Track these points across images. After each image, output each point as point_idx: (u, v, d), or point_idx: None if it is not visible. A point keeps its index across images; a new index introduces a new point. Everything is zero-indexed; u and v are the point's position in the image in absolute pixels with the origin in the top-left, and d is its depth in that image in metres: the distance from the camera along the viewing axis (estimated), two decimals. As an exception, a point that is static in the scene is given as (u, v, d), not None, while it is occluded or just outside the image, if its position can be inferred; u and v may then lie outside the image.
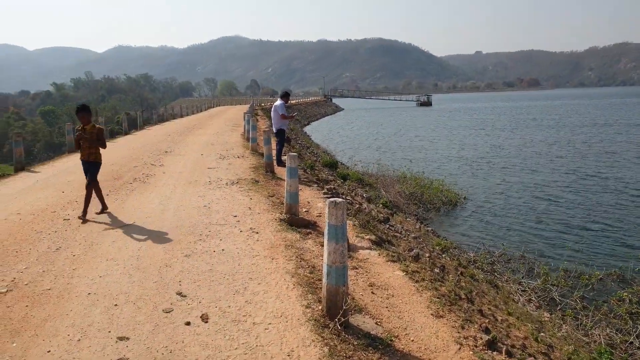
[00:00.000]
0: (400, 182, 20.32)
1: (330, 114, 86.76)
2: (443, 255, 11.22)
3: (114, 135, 22.52)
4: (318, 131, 49.85)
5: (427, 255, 9.20)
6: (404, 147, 36.16)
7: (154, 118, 27.89)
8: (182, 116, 36.17)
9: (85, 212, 6.26)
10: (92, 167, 6.50)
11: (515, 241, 13.68)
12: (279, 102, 11.46)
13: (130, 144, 15.86)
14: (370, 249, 5.68)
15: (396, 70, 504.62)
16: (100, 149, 6.61)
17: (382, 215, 11.89)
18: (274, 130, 11.52)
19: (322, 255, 4.94)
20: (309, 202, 7.89)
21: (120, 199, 7.43)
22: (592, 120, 53.86)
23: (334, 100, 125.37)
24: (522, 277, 10.87)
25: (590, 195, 19.16)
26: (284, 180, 9.76)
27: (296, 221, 6.23)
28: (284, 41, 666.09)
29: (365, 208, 11.22)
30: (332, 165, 20.34)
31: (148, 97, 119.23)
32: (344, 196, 11.61)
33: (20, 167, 10.66)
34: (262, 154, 12.84)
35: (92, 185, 6.43)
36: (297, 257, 4.73)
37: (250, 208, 6.81)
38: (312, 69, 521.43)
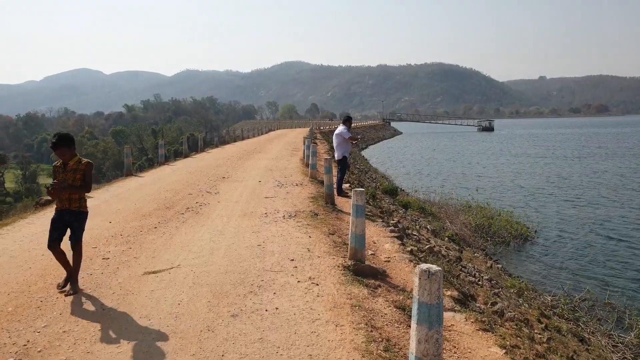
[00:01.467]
0: (465, 212, 19.27)
1: (389, 138, 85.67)
2: (520, 301, 10.05)
3: (175, 157, 22.59)
4: (376, 155, 48.92)
5: (506, 303, 8.07)
6: (465, 174, 34.72)
7: (215, 140, 27.99)
8: (243, 139, 36.38)
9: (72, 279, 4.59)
10: (76, 219, 4.60)
11: (596, 283, 12.44)
12: (341, 127, 10.69)
13: (189, 167, 15.60)
14: (454, 311, 4.67)
15: (456, 94, 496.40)
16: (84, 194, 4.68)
17: (452, 253, 10.77)
18: (336, 157, 10.73)
19: (397, 322, 4.00)
20: (374, 242, 6.97)
21: (168, 233, 6.81)
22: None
23: (393, 124, 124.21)
24: (612, 329, 9.57)
25: None
26: (345, 213, 8.96)
27: (362, 270, 5.32)
28: (344, 66, 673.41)
29: (435, 246, 10.13)
30: (392, 192, 19.44)
31: (212, 119, 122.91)
32: (409, 231, 10.59)
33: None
34: (321, 182, 12.09)
35: (78, 248, 4.55)
36: (366, 325, 3.80)
37: (309, 250, 5.98)
38: (371, 93, 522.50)
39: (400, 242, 7.17)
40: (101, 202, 9.25)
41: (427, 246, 8.42)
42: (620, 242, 15.92)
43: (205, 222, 7.56)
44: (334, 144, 10.71)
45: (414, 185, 28.03)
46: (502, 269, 13.42)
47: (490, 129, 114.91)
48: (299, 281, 4.81)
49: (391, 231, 7.75)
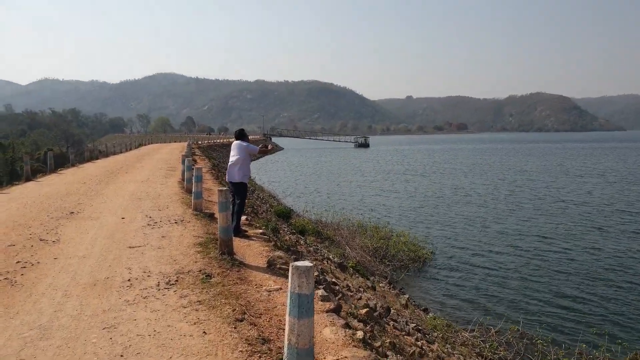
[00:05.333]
0: (360, 234, 18.53)
1: (270, 154, 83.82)
2: (445, 346, 8.62)
3: (13, 180, 17.97)
4: (259, 172, 46.48)
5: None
6: (349, 192, 34.63)
7: (71, 158, 23.31)
8: (107, 155, 31.57)
9: None
10: None
11: (502, 308, 12.11)
12: (240, 142, 8.01)
13: (26, 196, 11.66)
14: None
15: (332, 112, 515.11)
16: None
17: (378, 303, 8.75)
18: (231, 180, 7.98)
19: None
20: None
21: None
22: (523, 167, 54.77)
23: (274, 140, 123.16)
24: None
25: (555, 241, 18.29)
26: (250, 267, 6.26)
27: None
28: (221, 79, 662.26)
29: (366, 302, 8.01)
30: (286, 215, 17.64)
31: (75, 133, 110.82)
32: (327, 276, 8.34)
33: None
34: (209, 215, 9.37)
35: None
36: None
37: (208, 370, 3.35)
38: (250, 108, 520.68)
39: (341, 319, 4.81)
40: None
41: (364, 309, 6.18)
42: (512, 258, 16.45)
43: (23, 304, 4.51)
44: (233, 161, 7.92)
45: (305, 204, 26.38)
46: (413, 302, 12.46)
47: (366, 145, 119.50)
48: None
49: (322, 298, 5.33)
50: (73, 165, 21.99)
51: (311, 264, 3.04)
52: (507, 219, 23.06)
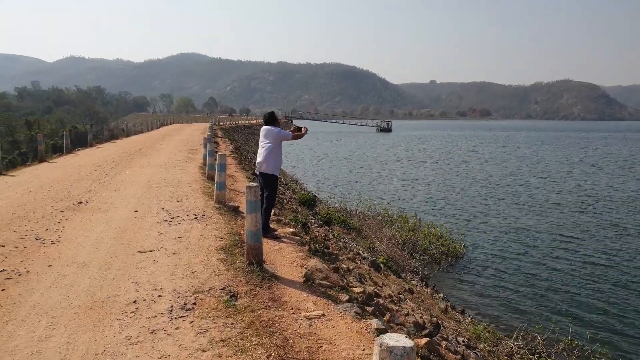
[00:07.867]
0: (387, 224, 17.29)
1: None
2: None
3: (54, 152, 17.16)
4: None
5: None
6: (372, 179, 33.17)
7: (89, 138, 22.46)
8: (128, 135, 30.74)
9: None
10: None
11: (544, 311, 10.93)
12: (271, 128, 6.83)
13: (34, 181, 10.68)
14: None
15: (354, 95, 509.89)
16: None
17: (423, 316, 7.60)
18: (260, 171, 6.81)
19: None
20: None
21: None
22: (549, 156, 52.64)
23: (294, 122, 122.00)
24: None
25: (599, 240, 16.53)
26: (284, 281, 5.11)
27: None
28: (244, 61, 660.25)
29: (413, 317, 6.84)
30: (311, 202, 16.57)
31: (99, 111, 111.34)
32: (370, 287, 7.17)
33: None
34: (233, 209, 8.26)
35: None
36: None
37: None
38: (271, 90, 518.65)
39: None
40: None
41: (423, 339, 5.00)
42: (546, 253, 15.16)
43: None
44: (263, 149, 6.75)
45: (328, 190, 25.35)
46: (451, 305, 11.30)
47: (388, 129, 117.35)
48: None
49: (378, 331, 4.15)
50: (91, 145, 21.14)
51: (411, 343, 1.84)
52: (545, 212, 21.49)
